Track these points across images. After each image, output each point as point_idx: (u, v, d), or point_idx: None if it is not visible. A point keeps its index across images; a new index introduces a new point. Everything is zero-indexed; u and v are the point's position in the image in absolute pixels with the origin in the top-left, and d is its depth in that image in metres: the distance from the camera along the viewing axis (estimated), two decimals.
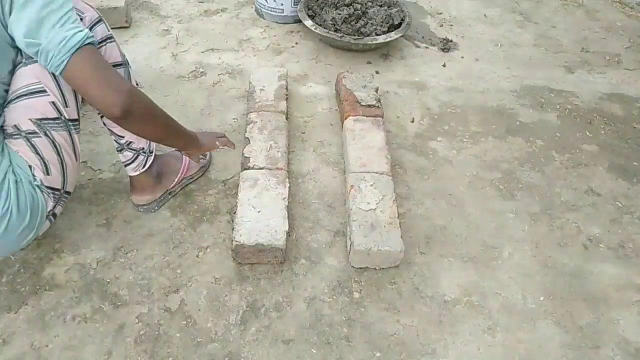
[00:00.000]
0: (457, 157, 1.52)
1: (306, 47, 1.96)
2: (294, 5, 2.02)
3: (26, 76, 0.96)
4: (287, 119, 1.52)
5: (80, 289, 1.12)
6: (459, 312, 1.13)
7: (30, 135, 0.97)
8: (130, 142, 1.17)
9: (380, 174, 1.32)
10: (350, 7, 1.94)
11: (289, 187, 1.34)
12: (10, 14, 0.87)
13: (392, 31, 1.89)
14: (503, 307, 1.15)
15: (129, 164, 1.20)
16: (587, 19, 2.34)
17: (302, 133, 1.56)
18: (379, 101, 1.56)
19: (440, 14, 2.28)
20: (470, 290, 1.17)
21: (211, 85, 1.72)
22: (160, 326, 1.06)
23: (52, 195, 1.02)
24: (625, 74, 1.97)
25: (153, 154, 1.23)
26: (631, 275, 1.24)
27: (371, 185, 1.28)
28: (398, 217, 1.21)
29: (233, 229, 1.16)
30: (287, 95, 1.59)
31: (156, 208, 1.29)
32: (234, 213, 1.21)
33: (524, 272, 1.22)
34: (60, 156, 1.01)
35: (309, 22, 1.89)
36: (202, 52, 1.88)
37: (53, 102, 0.97)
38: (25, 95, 0.96)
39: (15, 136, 0.98)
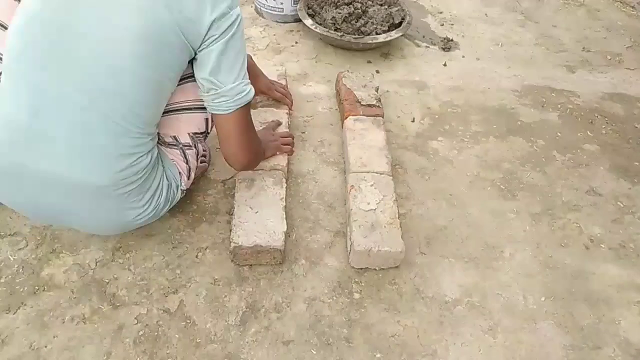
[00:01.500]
0: (458, 157, 1.52)
1: (306, 46, 1.96)
2: (294, 4, 2.02)
3: (194, 92, 1.04)
4: (289, 118, 1.51)
5: (79, 289, 1.11)
6: (460, 312, 1.13)
7: (185, 147, 1.10)
8: None
9: (381, 174, 1.31)
10: (351, 6, 1.93)
11: (289, 187, 1.34)
12: (204, 41, 0.93)
13: (393, 30, 1.88)
14: (504, 308, 1.14)
15: None
16: (588, 18, 2.33)
17: (302, 133, 1.55)
18: (379, 101, 1.56)
19: (441, 13, 2.28)
20: (471, 291, 1.17)
21: None
22: (160, 327, 1.06)
23: (184, 192, 1.17)
24: (627, 73, 1.97)
25: None
26: (632, 275, 1.23)
27: (371, 186, 1.27)
28: (398, 217, 1.21)
29: (231, 230, 1.16)
30: None
31: None
32: (232, 214, 1.20)
33: (525, 272, 1.22)
34: (197, 163, 1.16)
35: (308, 21, 1.88)
36: None
37: (206, 119, 1.10)
38: (189, 109, 1.06)
39: (172, 146, 1.09)
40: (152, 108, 0.97)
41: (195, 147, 1.12)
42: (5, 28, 1.02)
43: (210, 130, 1.15)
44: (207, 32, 0.92)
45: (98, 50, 0.87)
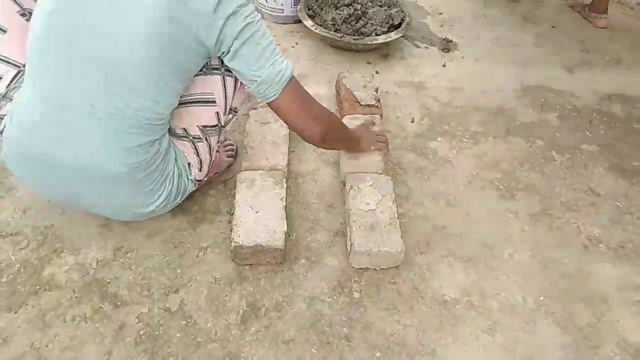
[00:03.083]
0: (457, 157, 1.52)
1: (306, 47, 1.97)
2: (294, 5, 2.02)
3: (204, 85, 1.07)
4: None
5: (80, 289, 1.12)
6: (459, 312, 1.13)
7: (195, 139, 1.11)
8: None
9: (379, 174, 1.32)
10: (350, 7, 1.94)
11: (289, 187, 1.35)
12: (219, 41, 0.95)
13: (392, 31, 1.89)
14: (503, 307, 1.15)
15: None
16: None
17: None
18: (379, 101, 1.57)
19: (441, 14, 2.28)
20: (470, 291, 1.17)
21: None
22: (160, 326, 1.06)
23: (197, 184, 1.20)
24: (626, 74, 1.97)
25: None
26: (631, 275, 1.24)
27: (370, 186, 1.28)
28: (398, 217, 1.21)
29: (232, 230, 1.16)
30: None
31: None
32: (233, 214, 1.21)
33: (523, 272, 1.22)
34: (211, 156, 1.17)
35: (309, 22, 1.89)
36: None
37: (217, 113, 1.11)
38: (198, 102, 1.08)
39: (183, 138, 1.11)
40: (164, 104, 1.00)
41: (206, 140, 1.12)
42: (4, 31, 1.04)
43: (226, 124, 1.16)
44: (221, 31, 0.94)
45: (112, 49, 0.91)
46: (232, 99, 1.12)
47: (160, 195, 1.10)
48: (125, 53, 0.91)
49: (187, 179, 1.14)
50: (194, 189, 1.20)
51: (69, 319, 1.06)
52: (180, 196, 1.16)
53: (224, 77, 1.08)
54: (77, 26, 0.91)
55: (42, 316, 1.06)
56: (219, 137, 1.17)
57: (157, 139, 1.03)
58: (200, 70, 1.05)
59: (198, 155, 1.13)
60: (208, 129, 1.11)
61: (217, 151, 1.37)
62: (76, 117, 0.96)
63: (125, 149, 0.98)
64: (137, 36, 0.89)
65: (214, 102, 1.09)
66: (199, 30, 0.93)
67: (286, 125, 1.45)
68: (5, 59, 1.06)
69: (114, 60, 0.92)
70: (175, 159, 1.10)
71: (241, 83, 1.10)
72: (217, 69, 1.07)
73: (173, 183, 1.11)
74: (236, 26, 0.94)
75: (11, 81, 1.06)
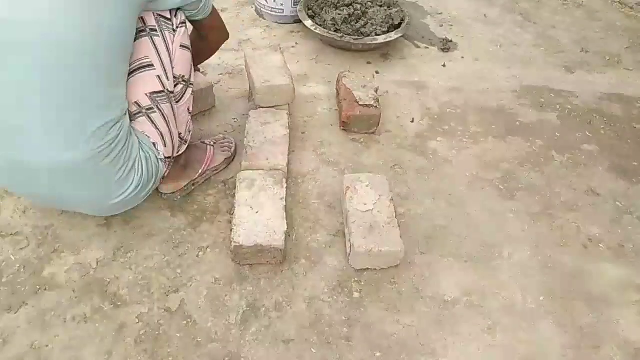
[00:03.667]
0: (457, 157, 1.52)
1: (306, 47, 1.97)
2: (294, 5, 2.02)
3: (137, 51, 1.05)
4: (289, 118, 1.52)
5: (80, 289, 1.12)
6: (459, 312, 1.13)
7: (149, 111, 1.08)
8: None
9: (376, 174, 1.32)
10: (350, 7, 1.94)
11: (289, 187, 1.35)
12: None
13: (392, 31, 1.89)
14: (503, 307, 1.15)
15: None
16: (587, 19, 2.34)
17: (302, 133, 1.56)
18: (377, 101, 1.56)
19: (440, 14, 2.28)
20: (470, 290, 1.17)
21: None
22: (161, 326, 1.06)
23: (167, 162, 1.17)
24: (625, 74, 1.98)
25: (187, 144, 1.26)
26: (631, 275, 1.24)
27: (366, 186, 1.27)
28: (396, 216, 1.21)
29: (232, 230, 1.16)
30: None
31: (179, 197, 1.31)
32: (233, 214, 1.21)
33: (523, 272, 1.22)
34: (169, 127, 1.12)
35: (309, 22, 1.89)
36: None
37: (158, 76, 1.07)
38: (138, 69, 1.05)
39: (138, 115, 1.07)
40: (111, 70, 0.98)
41: (159, 110, 1.09)
42: None
43: (178, 95, 1.14)
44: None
45: (38, 31, 0.88)
46: (170, 62, 1.09)
47: (132, 183, 1.07)
48: (48, 34, 0.88)
49: (157, 160, 1.12)
50: (166, 169, 1.17)
51: (69, 319, 1.06)
52: (154, 179, 1.13)
53: (151, 38, 1.05)
54: None
55: (42, 316, 1.06)
56: (172, 105, 1.12)
57: (116, 121, 0.99)
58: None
59: (157, 129, 1.10)
60: (155, 95, 1.07)
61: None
62: (26, 115, 0.92)
63: (84, 135, 0.95)
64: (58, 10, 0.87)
65: (152, 65, 1.06)
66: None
67: (285, 122, 1.46)
68: None
69: (42, 42, 0.88)
70: (140, 144, 1.08)
71: (173, 43, 1.09)
72: (142, 30, 1.04)
73: (142, 168, 1.08)
74: None
75: None
